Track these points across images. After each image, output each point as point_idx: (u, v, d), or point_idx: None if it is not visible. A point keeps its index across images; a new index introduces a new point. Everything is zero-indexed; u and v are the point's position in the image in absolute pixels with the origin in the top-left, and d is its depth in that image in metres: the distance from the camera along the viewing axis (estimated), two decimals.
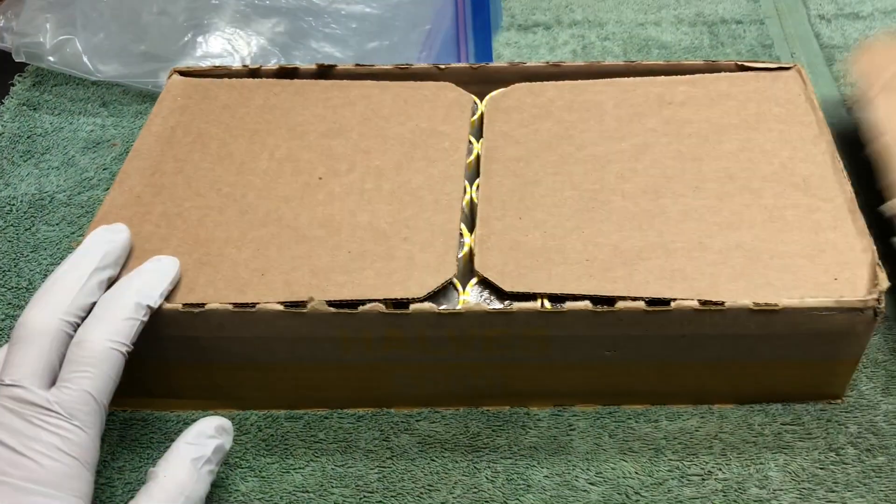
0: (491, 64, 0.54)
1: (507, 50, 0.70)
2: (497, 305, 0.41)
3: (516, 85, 0.52)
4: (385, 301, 0.40)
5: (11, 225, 0.57)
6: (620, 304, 0.40)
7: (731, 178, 0.46)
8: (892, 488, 0.42)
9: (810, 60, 0.68)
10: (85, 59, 0.65)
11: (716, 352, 0.42)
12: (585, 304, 0.40)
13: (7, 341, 0.38)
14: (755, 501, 0.41)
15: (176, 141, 0.49)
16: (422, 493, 0.42)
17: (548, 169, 0.47)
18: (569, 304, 0.40)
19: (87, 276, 0.39)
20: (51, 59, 0.65)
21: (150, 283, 0.40)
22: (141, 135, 0.50)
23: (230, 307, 0.40)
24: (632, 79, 0.52)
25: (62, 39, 0.65)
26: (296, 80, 0.53)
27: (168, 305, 0.40)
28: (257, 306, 0.40)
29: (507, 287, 0.41)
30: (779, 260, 0.42)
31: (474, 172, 0.48)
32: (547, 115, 0.50)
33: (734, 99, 0.50)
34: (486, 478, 0.43)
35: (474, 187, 0.47)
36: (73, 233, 0.56)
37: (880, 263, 0.41)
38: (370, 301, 0.40)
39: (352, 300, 0.40)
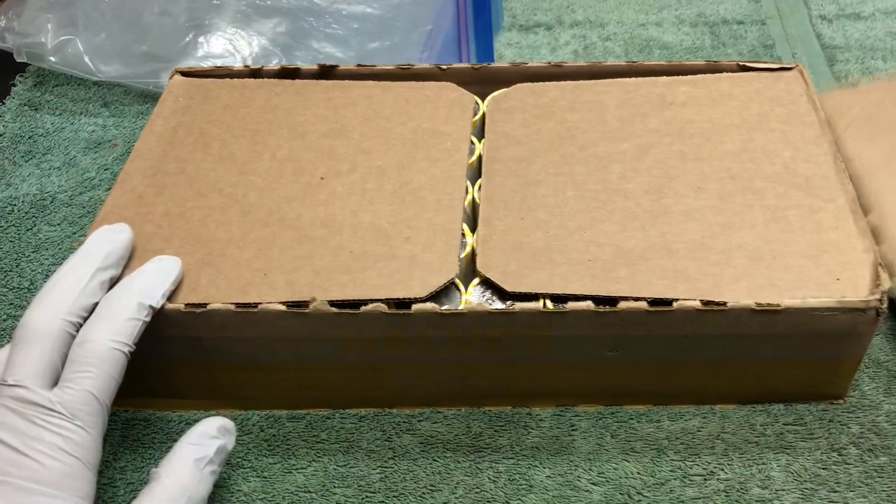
0: (492, 64, 0.54)
1: (508, 50, 0.70)
2: (499, 305, 0.41)
3: (518, 85, 0.52)
4: (387, 301, 0.40)
5: (13, 225, 0.57)
6: (623, 305, 0.40)
7: (733, 178, 0.46)
8: (894, 488, 0.42)
9: (811, 61, 0.68)
10: (86, 59, 0.65)
11: (718, 352, 0.42)
12: (588, 305, 0.40)
13: (9, 341, 0.38)
14: (757, 502, 0.41)
15: (178, 141, 0.49)
16: (424, 493, 0.42)
17: (550, 169, 0.47)
18: (571, 305, 0.40)
19: (90, 276, 0.39)
20: (52, 59, 0.65)
21: (152, 284, 0.40)
22: (142, 135, 0.50)
23: (232, 307, 0.40)
24: (633, 79, 0.52)
25: (63, 40, 0.65)
26: (297, 81, 0.53)
27: (170, 305, 0.40)
28: (259, 306, 0.40)
29: (509, 287, 0.41)
30: (781, 260, 0.42)
31: (476, 173, 0.48)
32: (549, 115, 0.50)
33: (736, 99, 0.50)
34: (489, 478, 0.43)
35: (476, 187, 0.47)
36: (75, 233, 0.56)
37: (882, 263, 0.41)
38: (372, 301, 0.40)
39: (354, 300, 0.40)
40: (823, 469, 0.43)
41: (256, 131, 0.50)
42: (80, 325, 0.38)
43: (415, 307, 0.40)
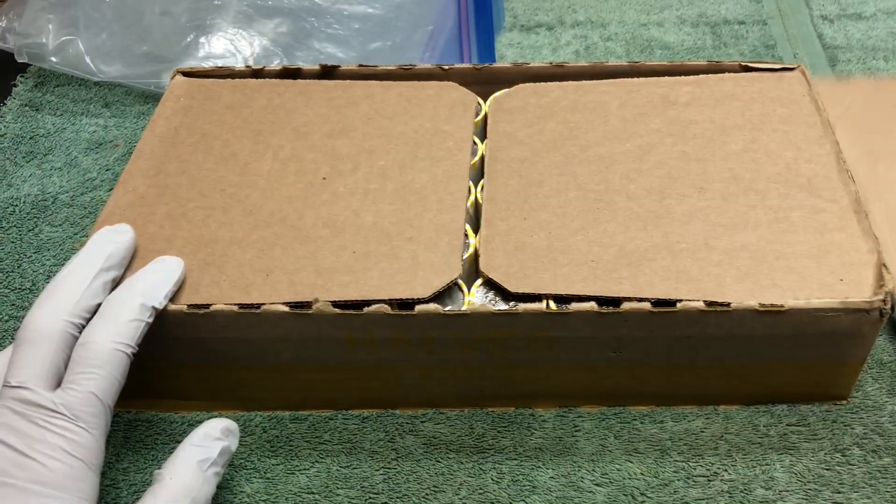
0: (494, 64, 0.54)
1: (509, 50, 0.70)
2: (502, 306, 0.41)
3: (520, 85, 0.52)
4: (390, 301, 0.40)
5: (14, 226, 0.57)
6: (626, 305, 0.40)
7: (735, 178, 0.46)
8: None
9: (813, 61, 0.68)
10: (87, 59, 0.65)
11: (721, 353, 0.42)
12: (591, 305, 0.40)
13: (11, 342, 0.38)
14: (761, 502, 0.41)
15: (179, 141, 0.49)
16: (427, 494, 0.42)
17: (552, 169, 0.47)
18: (574, 305, 0.40)
19: (92, 277, 0.39)
20: (53, 59, 0.65)
21: (154, 284, 0.40)
22: (144, 135, 0.50)
23: (235, 308, 0.40)
24: (636, 79, 0.52)
25: (64, 40, 0.65)
26: (299, 81, 0.53)
27: (173, 306, 0.40)
28: (262, 307, 0.40)
29: (512, 288, 0.41)
30: (784, 261, 0.42)
31: (478, 173, 0.48)
32: (551, 115, 0.50)
33: (738, 99, 0.50)
34: (492, 479, 0.43)
35: (479, 188, 0.47)
36: (77, 234, 0.56)
37: (886, 264, 0.41)
38: (375, 301, 0.40)
39: (356, 301, 0.40)
40: (827, 470, 0.42)
41: (258, 131, 0.50)
42: (83, 327, 0.38)
43: (418, 308, 0.40)
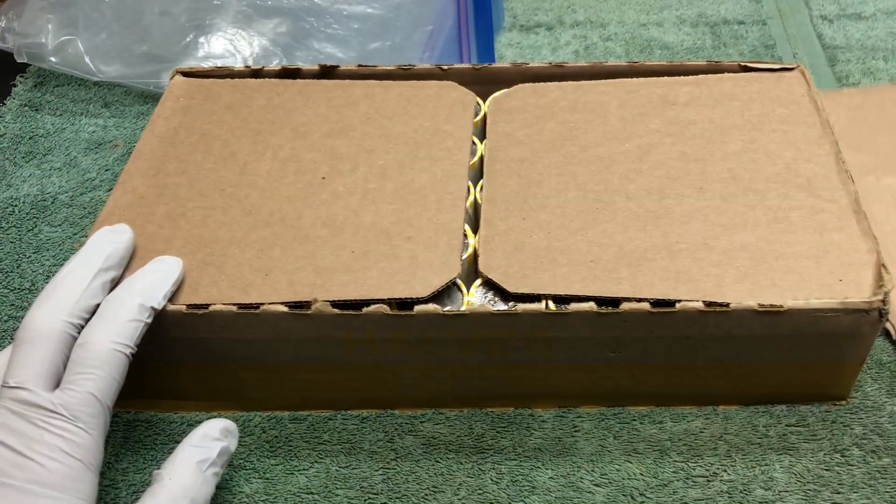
0: (493, 65, 0.54)
1: (509, 50, 0.70)
2: (501, 307, 0.41)
3: (519, 86, 0.52)
4: (389, 301, 0.40)
5: (14, 226, 0.57)
6: (625, 306, 0.40)
7: (735, 179, 0.46)
8: None
9: (812, 61, 0.68)
10: (87, 59, 0.65)
11: (720, 353, 0.42)
12: (590, 306, 0.40)
13: (11, 343, 0.38)
14: (760, 503, 0.41)
15: (179, 141, 0.49)
16: (426, 494, 0.42)
17: (551, 170, 0.47)
18: (573, 306, 0.40)
19: (91, 277, 0.39)
20: (52, 59, 0.65)
21: (153, 285, 0.40)
22: (143, 135, 0.50)
23: (234, 308, 0.40)
24: (635, 79, 0.52)
25: (64, 40, 0.65)
26: (298, 81, 0.53)
27: (172, 307, 0.40)
28: (261, 308, 0.40)
29: (511, 288, 0.41)
30: (783, 261, 0.42)
31: (478, 173, 0.48)
32: (550, 115, 0.50)
33: (738, 100, 0.50)
34: (491, 479, 0.43)
35: (478, 188, 0.47)
36: (76, 234, 0.56)
37: (885, 264, 0.41)
38: (374, 301, 0.40)
39: (356, 300, 0.40)
40: (826, 470, 0.42)
41: (258, 131, 0.50)
42: (82, 327, 0.38)
43: (417, 308, 0.40)
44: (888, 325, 0.48)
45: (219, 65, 0.61)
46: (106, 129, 0.64)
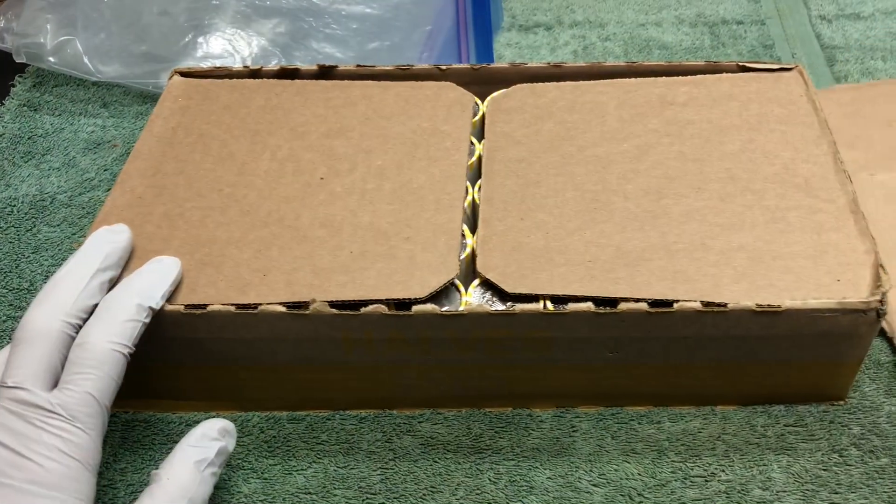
0: (492, 65, 0.54)
1: (507, 50, 0.70)
2: (499, 307, 0.41)
3: (517, 86, 0.52)
4: (387, 301, 0.40)
5: (12, 226, 0.57)
6: (623, 306, 0.40)
7: (732, 179, 0.46)
8: (895, 490, 0.42)
9: (811, 61, 0.68)
10: (85, 59, 0.65)
11: (718, 353, 0.42)
12: (588, 306, 0.40)
13: (9, 342, 0.38)
14: (758, 503, 0.41)
15: (177, 142, 0.49)
16: (424, 494, 0.42)
17: (549, 170, 0.47)
18: (571, 306, 0.40)
19: (89, 277, 0.39)
20: (51, 59, 0.65)
21: (151, 285, 0.40)
22: (142, 136, 0.50)
23: (232, 309, 0.40)
24: (633, 79, 0.52)
25: (63, 40, 0.65)
26: (297, 81, 0.53)
27: (170, 307, 0.40)
28: (259, 308, 0.40)
29: (509, 288, 0.41)
30: (781, 261, 0.42)
31: (476, 173, 0.48)
32: (548, 115, 0.50)
33: (736, 100, 0.50)
34: (489, 479, 0.43)
35: (476, 188, 0.47)
36: (75, 234, 0.56)
37: (883, 265, 0.41)
38: (372, 301, 0.40)
39: (354, 301, 0.40)
40: (824, 470, 0.42)
41: (256, 131, 0.50)
42: (80, 327, 0.38)
43: (415, 308, 0.40)
44: (884, 325, 0.48)
45: (217, 65, 0.61)
46: (105, 129, 0.64)
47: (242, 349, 0.42)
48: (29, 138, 0.64)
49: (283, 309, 0.40)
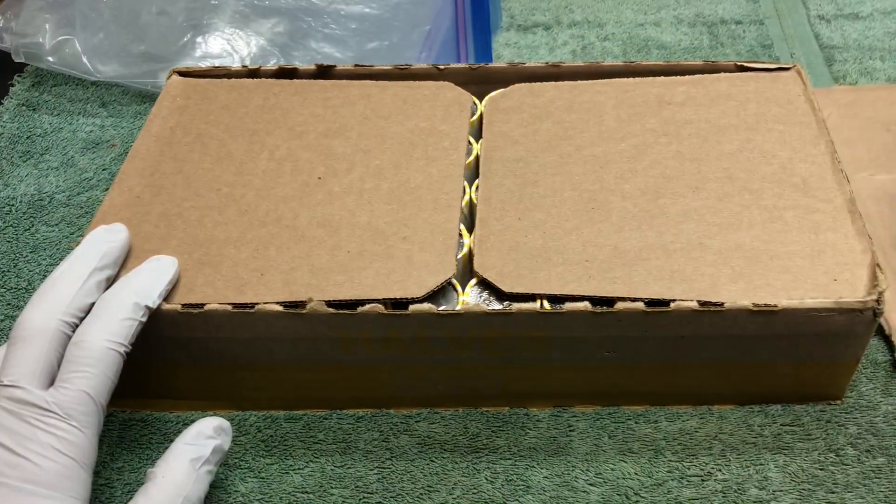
0: (490, 64, 0.54)
1: (506, 50, 0.70)
2: (496, 306, 0.41)
3: (516, 85, 0.52)
4: (384, 301, 0.40)
5: (11, 225, 0.57)
6: (620, 305, 0.40)
7: (730, 178, 0.46)
8: (891, 489, 0.42)
9: (810, 61, 0.68)
10: (84, 59, 0.65)
11: (715, 353, 0.42)
12: (585, 305, 0.40)
13: (6, 341, 0.38)
14: (755, 502, 0.41)
15: (175, 141, 0.49)
16: (421, 493, 0.42)
17: (547, 169, 0.47)
18: (568, 305, 0.40)
19: (86, 276, 0.39)
20: (50, 59, 0.65)
21: (148, 283, 0.40)
22: (140, 135, 0.50)
23: (229, 308, 0.40)
24: (631, 79, 0.52)
25: (61, 40, 0.65)
26: (295, 81, 0.53)
27: (167, 306, 0.40)
28: (256, 307, 0.40)
29: (506, 288, 0.41)
30: (778, 261, 0.42)
31: (473, 173, 0.48)
32: (546, 115, 0.50)
33: (734, 99, 0.50)
34: (486, 479, 0.43)
35: (473, 188, 0.47)
36: (73, 233, 0.56)
37: (880, 264, 0.41)
38: (369, 301, 0.40)
39: (351, 300, 0.40)
40: (821, 470, 0.42)
41: (254, 131, 0.50)
42: (77, 325, 0.38)
43: (412, 308, 0.40)
44: (882, 322, 0.48)
45: (216, 64, 0.61)
46: (103, 129, 0.64)
47: (240, 348, 0.42)
48: (27, 138, 0.64)
49: (280, 308, 0.40)
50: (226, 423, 0.40)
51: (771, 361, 0.42)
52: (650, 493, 0.42)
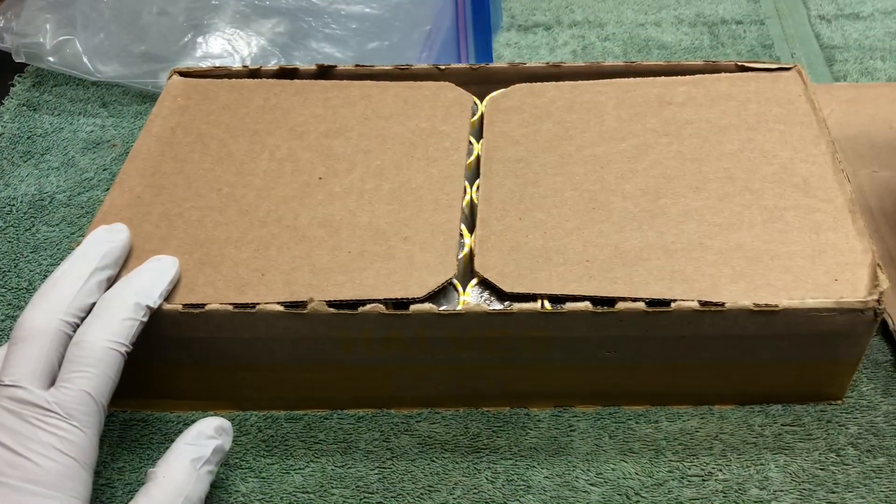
0: (491, 64, 0.54)
1: (507, 50, 0.70)
2: (497, 306, 0.41)
3: (516, 85, 0.52)
4: (385, 301, 0.40)
5: (11, 225, 0.57)
6: (620, 305, 0.40)
7: (731, 178, 0.46)
8: (892, 489, 0.42)
9: (810, 61, 0.68)
10: (85, 59, 0.65)
11: (716, 353, 0.42)
12: (585, 305, 0.40)
13: (7, 341, 0.38)
14: (755, 502, 0.41)
15: (176, 141, 0.49)
16: (422, 493, 0.42)
17: (548, 170, 0.47)
18: (569, 305, 0.40)
19: (87, 276, 0.39)
20: (51, 59, 0.65)
21: (149, 283, 0.40)
22: (141, 135, 0.50)
23: (230, 308, 0.40)
24: (632, 79, 0.52)
25: (62, 40, 0.65)
26: (296, 81, 0.53)
27: (168, 306, 0.40)
28: (257, 307, 0.40)
29: (507, 288, 0.41)
30: (779, 261, 0.42)
31: (474, 173, 0.48)
32: (547, 115, 0.50)
33: (734, 99, 0.50)
34: (487, 479, 0.43)
35: (474, 188, 0.47)
36: (73, 233, 0.56)
37: (880, 264, 0.41)
38: (370, 301, 0.40)
39: (352, 300, 0.40)
40: (821, 470, 0.42)
41: (255, 131, 0.50)
42: (78, 325, 0.38)
43: (413, 308, 0.40)
44: (887, 317, 0.47)
45: (216, 65, 0.61)
46: (104, 129, 0.64)
47: (240, 348, 0.42)
48: (28, 138, 0.64)
49: (281, 308, 0.40)
50: (226, 423, 0.40)
51: (772, 361, 0.42)
52: (651, 493, 0.42)
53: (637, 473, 0.43)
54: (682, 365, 0.43)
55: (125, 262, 0.42)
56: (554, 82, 0.52)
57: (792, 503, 0.41)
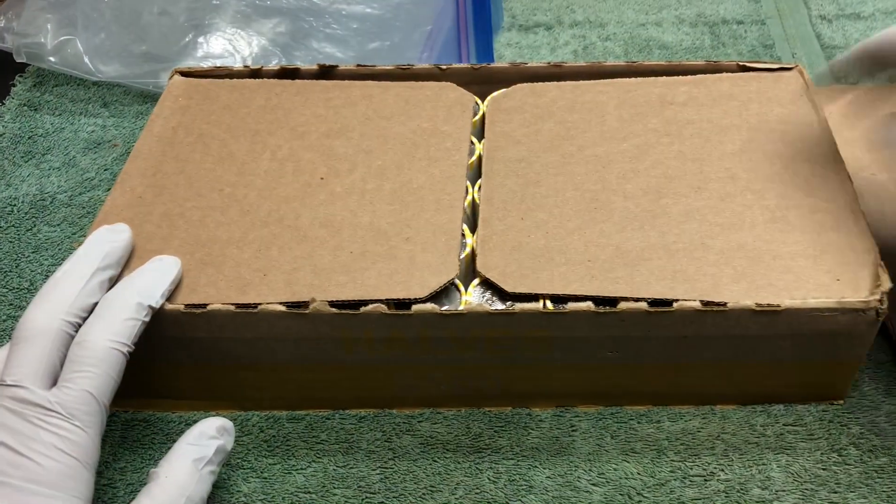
0: (492, 64, 0.54)
1: (508, 50, 0.70)
2: (499, 306, 0.41)
3: (517, 85, 0.52)
4: (387, 301, 0.40)
5: (13, 226, 0.57)
6: (622, 305, 0.40)
7: (732, 178, 0.46)
8: (894, 489, 0.42)
9: (811, 61, 0.68)
10: (86, 59, 0.65)
11: (718, 352, 0.42)
12: (587, 305, 0.40)
13: (9, 341, 0.38)
14: (757, 502, 0.41)
15: (177, 141, 0.49)
16: (424, 493, 0.42)
17: (549, 169, 0.47)
18: (571, 305, 0.40)
19: (89, 276, 0.39)
20: (52, 59, 0.65)
21: (151, 283, 0.40)
22: (142, 135, 0.50)
23: (232, 308, 0.40)
24: (633, 79, 0.52)
25: (63, 40, 0.65)
26: (297, 81, 0.53)
27: (170, 306, 0.40)
28: (259, 307, 0.40)
29: (508, 288, 0.41)
30: (781, 261, 0.42)
31: (476, 173, 0.48)
32: (548, 115, 0.50)
33: (736, 99, 0.50)
34: (489, 479, 0.43)
35: (476, 188, 0.47)
36: (75, 233, 0.56)
37: (882, 264, 0.41)
38: (372, 301, 0.40)
39: (353, 300, 0.40)
40: (823, 470, 0.42)
41: (256, 131, 0.50)
42: (79, 325, 0.38)
43: (414, 308, 0.40)
44: (887, 323, 0.48)
45: (217, 65, 0.61)
46: (105, 129, 0.64)
47: (242, 348, 0.42)
48: (29, 138, 0.64)
49: (283, 308, 0.40)
50: (228, 423, 0.40)
51: (773, 361, 0.42)
52: (653, 493, 0.42)
53: (639, 473, 0.43)
54: (684, 365, 0.43)
55: (127, 262, 0.42)
56: (555, 82, 0.52)
57: (794, 503, 0.41)
